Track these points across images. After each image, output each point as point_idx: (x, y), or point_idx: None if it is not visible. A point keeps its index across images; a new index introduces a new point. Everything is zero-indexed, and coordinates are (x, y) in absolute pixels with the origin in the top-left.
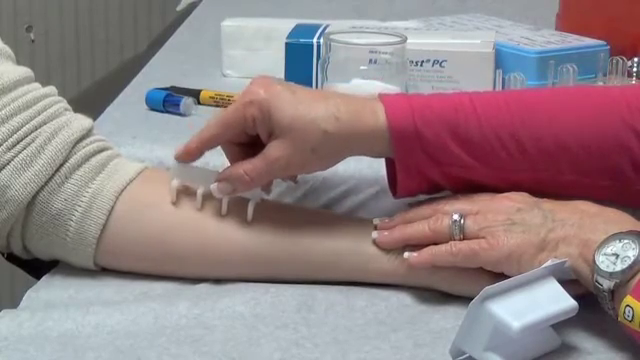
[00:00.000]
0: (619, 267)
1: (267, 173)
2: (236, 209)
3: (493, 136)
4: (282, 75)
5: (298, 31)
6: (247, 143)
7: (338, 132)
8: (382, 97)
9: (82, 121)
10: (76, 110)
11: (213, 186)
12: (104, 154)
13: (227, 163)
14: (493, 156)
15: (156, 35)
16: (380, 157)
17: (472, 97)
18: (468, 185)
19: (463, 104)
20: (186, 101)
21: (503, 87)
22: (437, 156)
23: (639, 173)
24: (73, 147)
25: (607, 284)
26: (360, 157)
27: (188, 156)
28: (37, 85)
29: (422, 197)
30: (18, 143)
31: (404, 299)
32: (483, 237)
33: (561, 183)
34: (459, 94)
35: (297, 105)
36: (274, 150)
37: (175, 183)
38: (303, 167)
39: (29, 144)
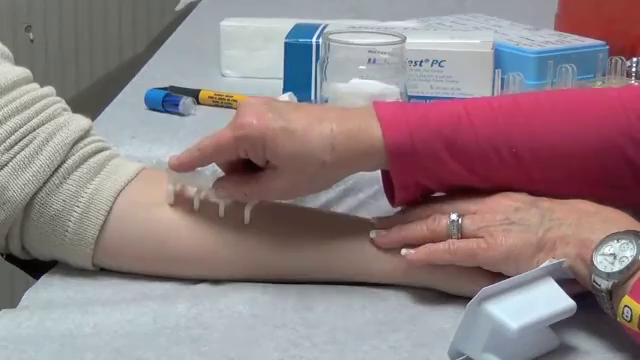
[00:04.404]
0: (617, 267)
1: (264, 198)
2: (234, 210)
3: (489, 148)
4: (281, 75)
5: (297, 31)
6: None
7: (335, 160)
8: (378, 112)
9: (81, 121)
10: (75, 110)
11: (210, 191)
12: (103, 154)
13: None
14: (490, 169)
15: (155, 35)
16: (377, 170)
17: (468, 108)
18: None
19: (459, 117)
20: (185, 101)
21: (502, 87)
22: (435, 172)
23: (638, 181)
24: (71, 148)
25: (605, 284)
26: None
27: (181, 167)
28: (35, 85)
29: None
30: (16, 144)
31: (403, 299)
32: (481, 237)
33: (559, 193)
34: (455, 104)
35: (292, 137)
36: (272, 180)
37: (171, 188)
38: (302, 193)
39: (27, 145)
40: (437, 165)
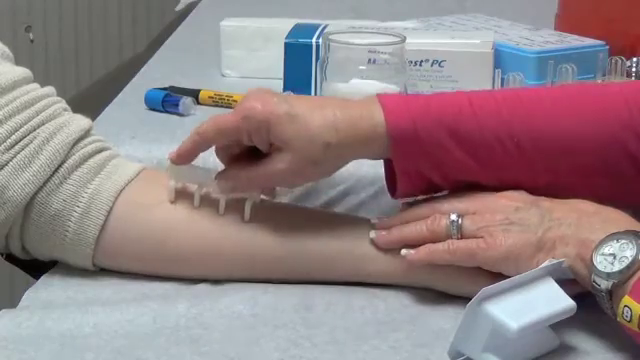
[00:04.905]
0: (617, 267)
1: (268, 183)
2: (234, 209)
3: (492, 138)
4: (281, 75)
5: (297, 31)
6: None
7: (338, 143)
8: (381, 100)
9: (81, 121)
10: (75, 110)
11: (212, 184)
12: (103, 154)
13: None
14: (493, 158)
15: (155, 35)
16: (380, 159)
17: (471, 98)
18: (468, 186)
19: (462, 106)
20: (185, 101)
21: (502, 87)
22: (437, 159)
23: (639, 173)
24: (72, 147)
25: (605, 284)
26: None
27: (180, 159)
28: (36, 85)
29: (420, 196)
30: (17, 144)
31: (403, 299)
32: (481, 237)
33: (560, 184)
34: (458, 94)
35: (295, 119)
36: (276, 163)
37: (172, 183)
38: (306, 178)
39: (27, 145)
40: (440, 151)
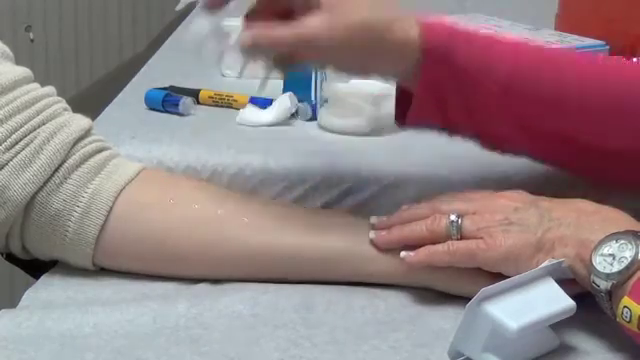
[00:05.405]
0: (616, 268)
1: (294, 45)
2: (234, 210)
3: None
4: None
5: None
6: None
7: (371, 24)
8: (417, 17)
9: (81, 121)
10: (75, 110)
11: (236, 36)
12: (103, 154)
13: None
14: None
15: (155, 35)
16: (403, 76)
17: (518, 47)
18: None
19: (501, 46)
20: (185, 101)
21: None
22: (460, 77)
23: None
24: (72, 147)
25: (604, 285)
26: (359, 154)
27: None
28: (36, 85)
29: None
30: (17, 143)
31: (403, 299)
32: (481, 237)
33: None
34: (498, 35)
35: None
36: (311, 27)
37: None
38: (330, 55)
39: (28, 144)
40: (465, 71)
